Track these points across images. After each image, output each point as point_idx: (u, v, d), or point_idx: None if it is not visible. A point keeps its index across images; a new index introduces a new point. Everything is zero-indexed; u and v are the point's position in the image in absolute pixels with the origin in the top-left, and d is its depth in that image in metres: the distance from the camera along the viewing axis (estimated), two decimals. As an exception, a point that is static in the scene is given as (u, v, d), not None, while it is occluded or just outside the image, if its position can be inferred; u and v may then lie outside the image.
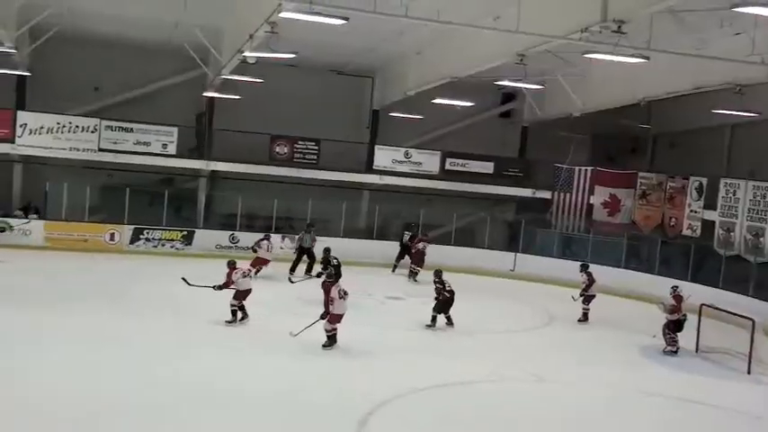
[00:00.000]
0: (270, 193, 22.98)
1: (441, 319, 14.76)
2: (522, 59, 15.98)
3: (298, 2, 12.25)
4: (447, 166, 25.07)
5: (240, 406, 9.28)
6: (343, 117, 25.97)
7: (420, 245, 20.86)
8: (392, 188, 24.59)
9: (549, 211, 24.70)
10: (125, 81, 23.69)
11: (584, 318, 16.55)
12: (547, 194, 24.85)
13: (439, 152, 25.15)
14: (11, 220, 20.68)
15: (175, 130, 22.39)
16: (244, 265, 14.83)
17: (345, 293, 12.31)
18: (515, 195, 26.01)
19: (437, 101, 22.30)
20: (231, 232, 22.22)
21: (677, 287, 14.87)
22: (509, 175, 25.76)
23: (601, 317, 16.92)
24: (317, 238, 20.17)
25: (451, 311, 14.79)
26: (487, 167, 25.42)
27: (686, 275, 19.32)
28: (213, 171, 23.93)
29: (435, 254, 21.42)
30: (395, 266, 21.29)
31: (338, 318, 12.24)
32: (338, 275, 14.00)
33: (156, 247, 21.53)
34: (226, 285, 13.55)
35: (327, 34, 17.45)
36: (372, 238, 23.74)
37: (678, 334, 14.26)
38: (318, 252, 18.88)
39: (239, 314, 13.61)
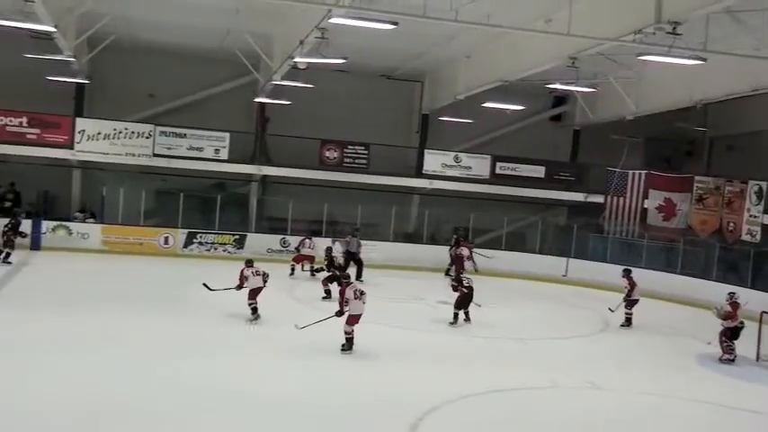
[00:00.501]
0: (319, 197, 23.12)
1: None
2: (573, 62, 15.80)
3: (347, 8, 12.32)
4: (497, 170, 24.88)
5: (290, 410, 9.30)
6: (393, 121, 26.04)
7: (462, 250, 20.65)
8: (442, 192, 24.51)
9: (601, 216, 24.30)
10: (179, 88, 24.16)
11: (628, 323, 16.25)
12: (599, 199, 24.46)
13: (489, 156, 24.98)
14: (70, 224, 21.18)
15: (227, 135, 22.68)
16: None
17: (362, 294, 12.15)
18: (567, 200, 25.69)
19: (487, 104, 22.16)
20: (282, 236, 22.41)
21: (734, 294, 14.46)
22: (560, 179, 25.45)
23: (657, 323, 16.60)
24: (362, 242, 20.19)
25: (505, 316, 14.69)
26: (538, 171, 25.17)
27: (746, 282, 18.80)
28: (264, 176, 24.18)
29: (485, 258, 21.29)
30: (447, 271, 21.09)
31: (356, 319, 12.07)
32: (345, 276, 13.90)
33: (208, 250, 21.83)
34: (240, 285, 13.79)
35: (377, 39, 17.55)
36: (422, 243, 23.69)
37: (735, 342, 13.86)
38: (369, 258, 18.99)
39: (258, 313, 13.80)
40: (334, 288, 15.27)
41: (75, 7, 17.59)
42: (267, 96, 22.99)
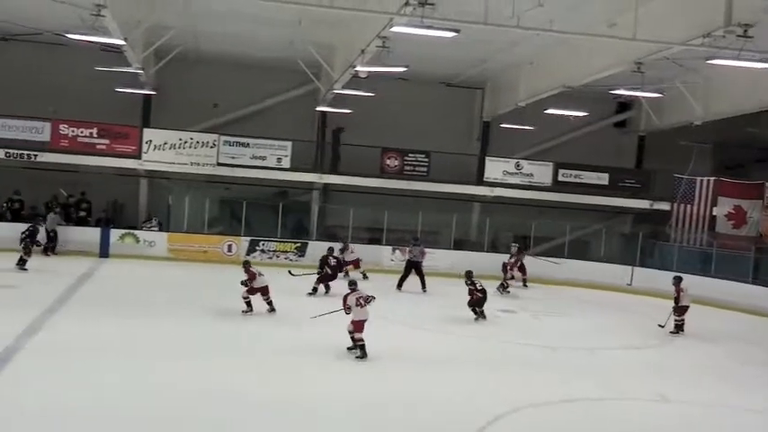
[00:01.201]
0: (380, 205, 23.19)
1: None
2: (639, 67, 15.51)
3: (409, 16, 12.33)
4: (560, 178, 24.56)
5: (361, 418, 9.30)
6: (454, 129, 25.98)
7: (512, 259, 20.37)
8: (503, 200, 24.31)
9: (668, 224, 23.75)
10: (242, 97, 24.58)
11: (677, 330, 15.76)
12: (666, 206, 23.92)
13: (551, 163, 24.68)
14: (137, 232, 21.71)
15: (289, 144, 22.94)
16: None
17: (365, 301, 12.01)
18: (632, 207, 25.18)
19: (549, 111, 21.91)
20: (342, 244, 22.50)
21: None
22: (625, 187, 24.96)
23: (728, 333, 16.14)
24: (426, 250, 20.12)
25: (570, 325, 14.48)
26: (602, 179, 24.74)
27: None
28: (326, 184, 24.37)
29: (548, 266, 20.99)
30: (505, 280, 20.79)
31: (360, 325, 11.89)
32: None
33: (270, 258, 22.06)
34: (250, 280, 14.68)
35: (438, 47, 17.54)
36: (483, 251, 23.50)
37: None
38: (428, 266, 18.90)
39: (253, 307, 14.73)
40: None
41: (143, 20, 18.06)
42: (328, 105, 23.20)
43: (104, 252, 20.83)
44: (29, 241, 18.09)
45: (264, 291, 14.80)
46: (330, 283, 17.44)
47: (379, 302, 16.22)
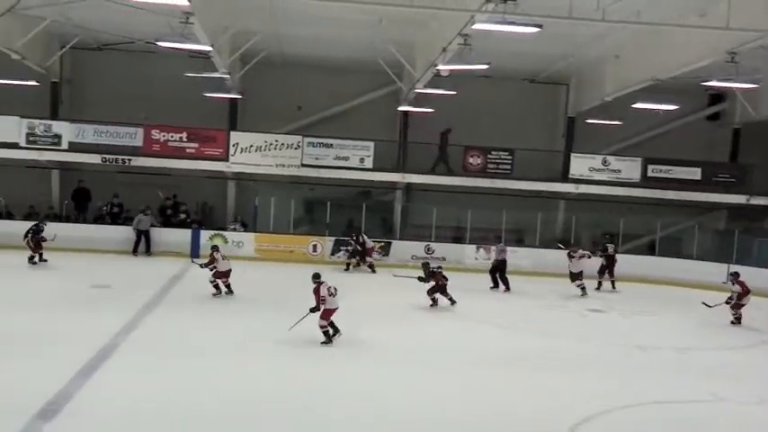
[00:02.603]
0: (463, 203, 23.05)
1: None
2: (732, 58, 14.88)
3: (491, 13, 12.21)
4: (649, 173, 23.79)
5: (448, 418, 9.28)
6: (537, 125, 25.60)
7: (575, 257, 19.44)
8: (589, 197, 23.77)
9: (767, 219, 22.72)
10: (325, 99, 24.88)
11: (738, 321, 15.78)
12: (764, 201, 22.87)
13: (640, 158, 23.93)
14: (226, 233, 22.26)
15: (372, 144, 23.06)
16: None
17: (336, 290, 12.53)
18: (727, 202, 24.18)
19: (637, 105, 21.32)
20: (426, 243, 22.51)
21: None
22: (719, 181, 23.97)
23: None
24: (507, 248, 19.85)
25: (662, 325, 14.36)
26: (694, 173, 23.84)
27: None
28: (408, 183, 24.40)
29: (638, 264, 20.44)
30: (599, 283, 20.23)
31: (331, 312, 12.44)
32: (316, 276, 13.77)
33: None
34: (209, 264, 15.79)
35: (521, 43, 17.31)
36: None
37: None
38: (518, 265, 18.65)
39: (221, 289, 15.87)
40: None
41: (229, 27, 18.50)
42: (410, 104, 23.20)
43: (195, 253, 21.37)
44: (30, 238, 18.66)
45: (227, 274, 15.85)
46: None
47: (466, 303, 16.27)
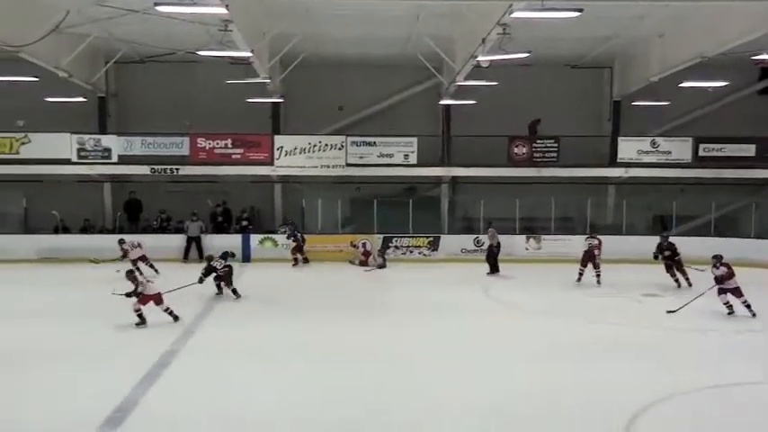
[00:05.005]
0: (511, 194, 22.87)
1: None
2: (783, 28, 14.46)
3: (529, 0, 12.06)
4: (700, 153, 23.26)
5: (506, 411, 9.20)
6: (582, 111, 25.27)
7: (587, 244, 18.55)
8: (639, 180, 23.37)
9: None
10: (366, 97, 24.92)
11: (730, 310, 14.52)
12: (824, 174, 22.19)
13: (690, 138, 23.41)
14: (275, 236, 22.44)
15: (415, 140, 22.99)
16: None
17: (147, 280, 13.65)
18: (784, 178, 23.52)
19: (685, 84, 20.86)
20: (475, 236, 22.38)
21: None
22: (775, 157, 23.33)
23: None
24: (557, 237, 19.61)
25: (719, 307, 13.88)
26: (748, 150, 23.23)
27: None
28: (454, 177, 24.29)
29: (695, 246, 19.95)
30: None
31: (150, 298, 13.22)
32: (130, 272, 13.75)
33: (404, 254, 22.26)
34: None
35: (561, 29, 17.11)
36: (621, 234, 22.67)
37: None
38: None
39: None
40: None
41: (267, 31, 18.63)
42: (451, 98, 23.09)
43: (246, 257, 21.66)
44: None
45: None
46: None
47: (518, 294, 16.13)
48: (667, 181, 23.23)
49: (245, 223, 23.17)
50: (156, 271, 18.20)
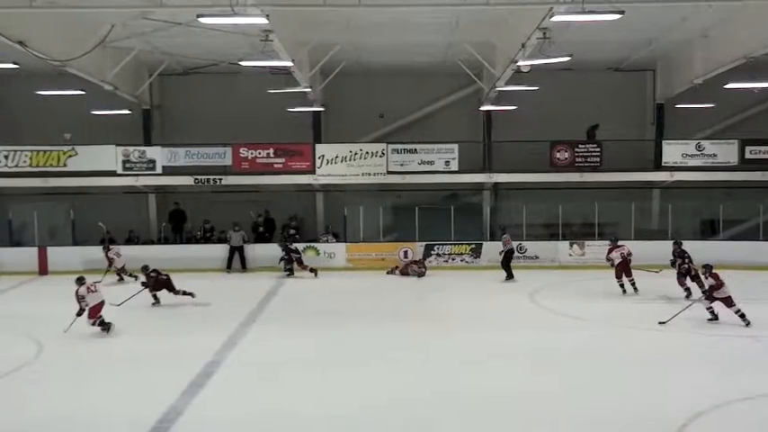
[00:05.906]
0: (553, 199, 22.66)
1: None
2: (831, 26, 14.11)
3: (569, 3, 11.98)
4: (747, 155, 22.75)
5: (553, 419, 9.13)
6: (625, 115, 25.03)
7: (613, 254, 17.78)
8: (684, 184, 22.97)
9: None
10: (406, 105, 24.98)
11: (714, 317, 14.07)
12: None
13: (736, 141, 22.92)
14: (318, 245, 22.56)
15: (456, 146, 22.91)
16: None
17: (94, 285, 13.60)
18: (835, 180, 22.90)
19: (730, 85, 20.46)
20: (518, 242, 22.18)
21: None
22: (825, 158, 22.73)
23: None
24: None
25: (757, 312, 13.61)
26: (797, 151, 22.70)
27: None
28: (495, 183, 24.15)
29: (743, 251, 19.57)
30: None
31: (99, 307, 13.39)
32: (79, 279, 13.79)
33: (446, 261, 22.17)
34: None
35: (602, 31, 16.95)
36: (667, 239, 22.24)
37: None
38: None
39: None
40: None
41: (307, 41, 18.79)
42: (492, 104, 23.00)
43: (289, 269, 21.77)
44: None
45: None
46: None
47: (563, 301, 15.93)
48: (714, 184, 22.78)
49: (292, 231, 23.30)
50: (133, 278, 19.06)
